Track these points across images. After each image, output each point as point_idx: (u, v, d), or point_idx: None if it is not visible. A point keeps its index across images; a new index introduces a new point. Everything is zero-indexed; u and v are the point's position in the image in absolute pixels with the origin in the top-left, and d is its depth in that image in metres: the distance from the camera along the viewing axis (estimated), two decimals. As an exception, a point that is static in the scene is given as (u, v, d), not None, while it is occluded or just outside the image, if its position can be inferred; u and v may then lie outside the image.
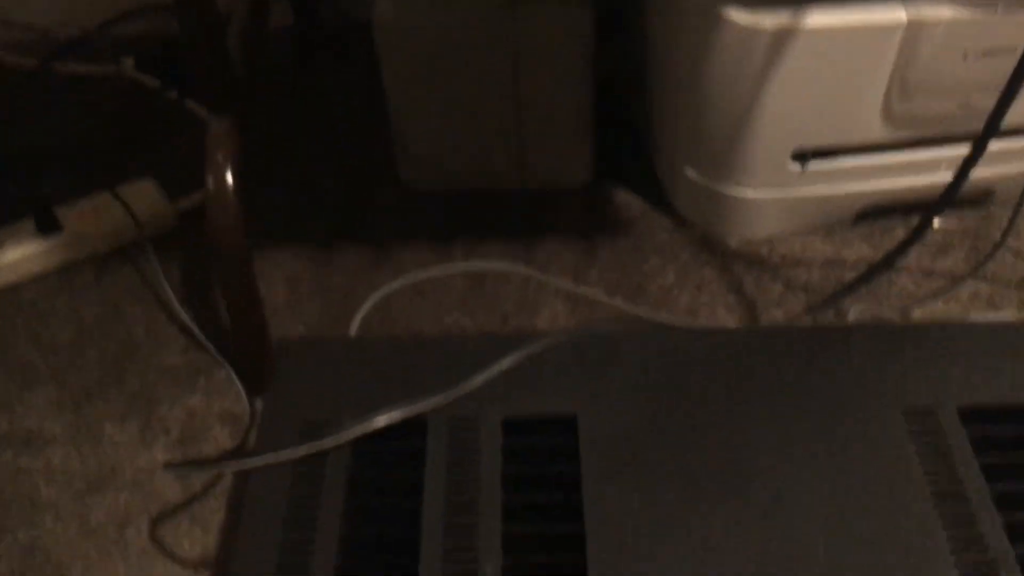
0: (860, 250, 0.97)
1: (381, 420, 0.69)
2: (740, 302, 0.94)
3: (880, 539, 0.63)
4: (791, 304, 0.93)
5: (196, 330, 0.97)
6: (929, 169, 0.90)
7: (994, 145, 0.71)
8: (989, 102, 0.69)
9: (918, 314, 0.88)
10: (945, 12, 0.76)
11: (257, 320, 0.91)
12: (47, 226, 0.99)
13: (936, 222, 0.98)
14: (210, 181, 0.77)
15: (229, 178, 0.77)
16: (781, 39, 0.76)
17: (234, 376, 0.95)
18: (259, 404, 0.85)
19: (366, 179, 1.08)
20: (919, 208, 0.88)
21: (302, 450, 0.68)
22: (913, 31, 0.77)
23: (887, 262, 0.84)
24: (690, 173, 0.94)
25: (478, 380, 0.71)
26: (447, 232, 1.02)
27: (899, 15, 0.76)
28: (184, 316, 0.98)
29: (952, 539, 0.63)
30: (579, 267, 0.98)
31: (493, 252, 0.99)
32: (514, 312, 0.95)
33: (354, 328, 0.88)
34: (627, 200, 1.04)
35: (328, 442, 0.68)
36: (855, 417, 0.70)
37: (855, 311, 0.88)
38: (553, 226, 1.02)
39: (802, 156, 0.89)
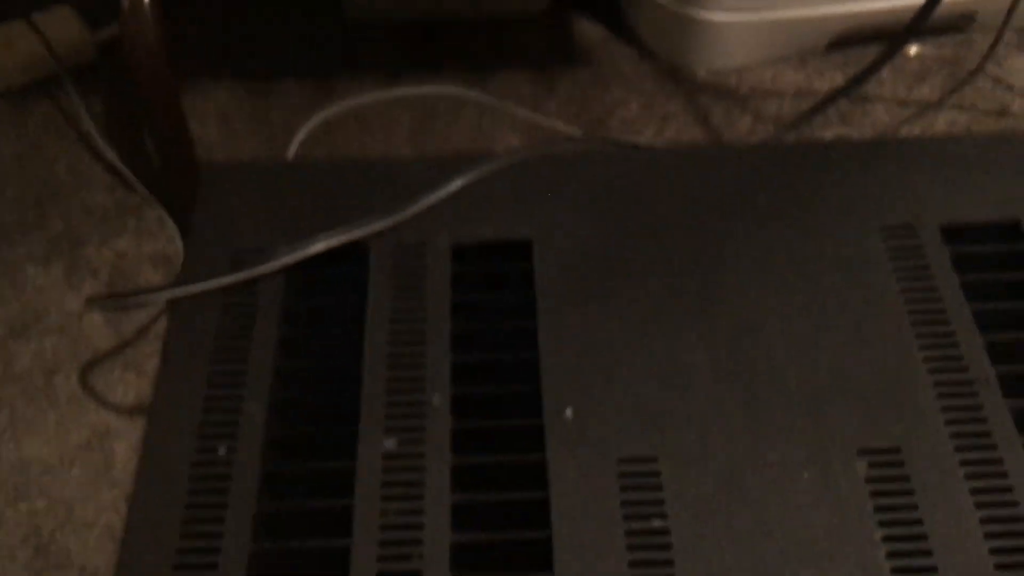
0: (834, 79, 0.92)
1: (318, 245, 0.63)
2: (708, 135, 0.89)
3: (854, 361, 0.59)
4: (761, 136, 0.88)
5: (123, 168, 0.91)
6: (908, -13, 0.84)
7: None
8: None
9: (895, 142, 0.84)
10: None
11: (187, 155, 0.85)
12: (-48, 56, 0.91)
13: (913, 49, 0.93)
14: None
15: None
16: None
17: (165, 216, 0.89)
18: (191, 242, 0.79)
19: (306, 10, 1.00)
20: (897, 36, 0.82)
21: (232, 278, 0.62)
22: None
23: (858, 80, 0.79)
24: (655, -7, 0.87)
25: (425, 203, 0.66)
26: (394, 64, 0.95)
27: None
28: (109, 154, 0.91)
29: (930, 359, 0.60)
30: (537, 99, 0.92)
31: (444, 83, 0.92)
32: (467, 146, 0.89)
33: (291, 156, 0.82)
34: (587, 28, 0.97)
35: (260, 269, 0.62)
36: (830, 235, 0.65)
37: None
38: (507, 56, 0.95)
39: (774, -29, 0.83)
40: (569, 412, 0.58)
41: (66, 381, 0.84)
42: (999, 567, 0.52)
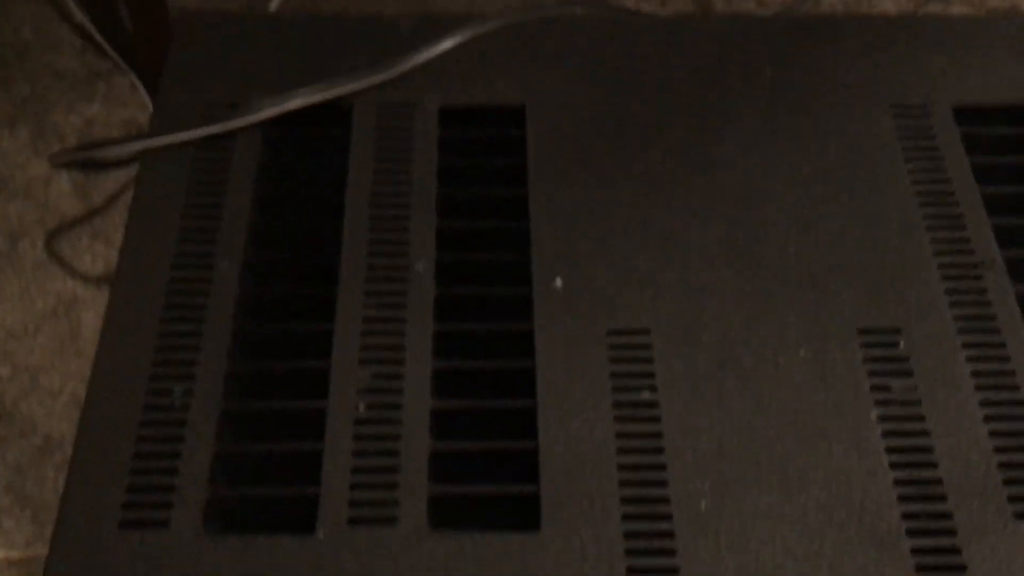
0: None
1: (297, 100, 0.60)
2: (715, 6, 0.86)
3: (857, 239, 0.57)
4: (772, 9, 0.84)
5: (94, 32, 0.86)
6: None
7: None
8: None
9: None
10: None
11: (161, 20, 0.80)
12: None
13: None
14: None
15: None
16: None
17: (137, 82, 0.85)
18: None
19: None
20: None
21: (205, 130, 0.58)
22: None
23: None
24: None
25: (413, 62, 0.62)
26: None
27: None
28: (79, 16, 0.87)
29: (935, 241, 0.57)
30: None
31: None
32: (459, 8, 0.85)
33: (273, 8, 0.78)
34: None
35: (235, 123, 0.59)
36: (838, 112, 0.62)
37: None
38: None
39: None
40: (559, 282, 0.56)
41: (32, 248, 0.81)
42: (998, 450, 0.50)
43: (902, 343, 0.54)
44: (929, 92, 0.63)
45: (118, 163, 0.80)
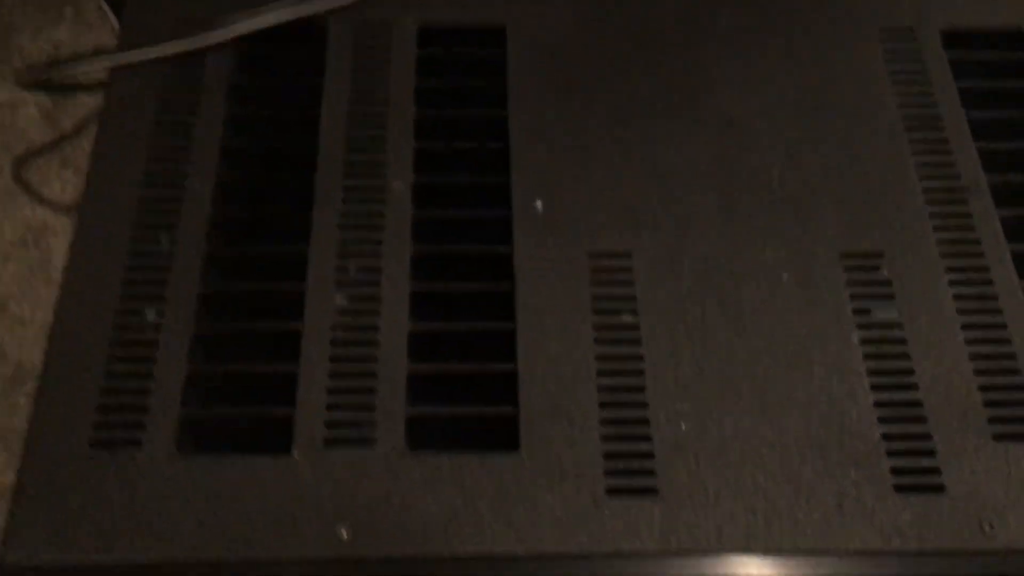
0: None
1: (271, 17, 0.58)
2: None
3: (842, 163, 0.56)
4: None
5: (59, -48, 0.83)
6: None
7: None
8: None
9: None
10: None
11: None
12: None
13: None
14: None
15: None
16: None
17: (105, 6, 0.82)
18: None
19: None
20: None
21: (176, 46, 0.57)
22: None
23: None
24: None
25: (389, -20, 0.60)
26: None
27: None
28: (44, -64, 0.84)
29: (921, 165, 0.56)
30: None
31: None
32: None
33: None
34: None
35: (207, 39, 0.57)
36: (825, 36, 0.61)
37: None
38: None
39: None
40: (539, 204, 0.55)
41: (-1, 175, 0.79)
42: (979, 372, 0.50)
43: (885, 267, 0.53)
44: (917, 16, 0.62)
45: (87, 85, 0.78)
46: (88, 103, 0.79)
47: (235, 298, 0.52)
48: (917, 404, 0.49)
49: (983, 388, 0.49)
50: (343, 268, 0.52)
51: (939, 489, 0.47)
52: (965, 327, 0.51)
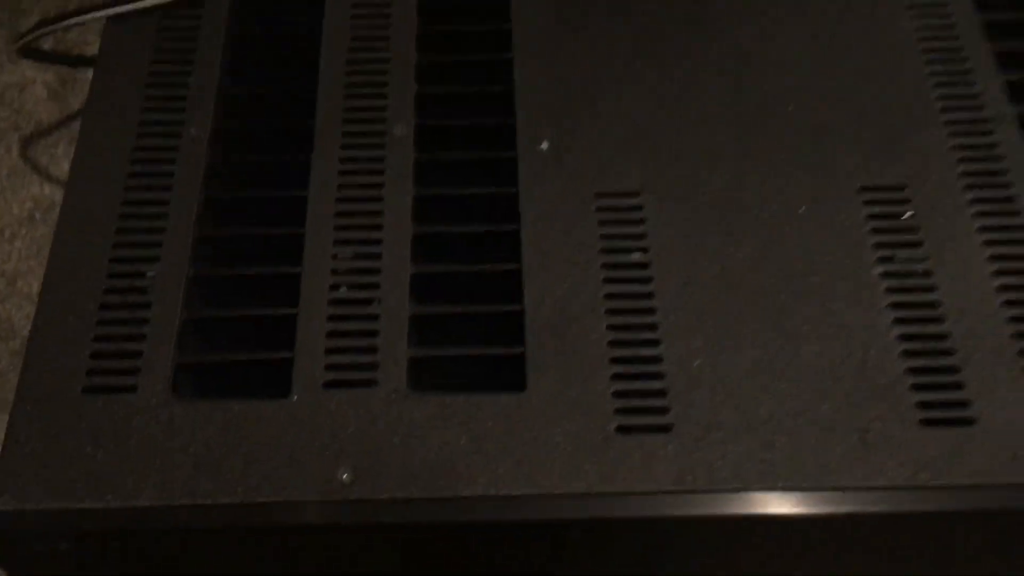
0: None
1: (268, -36, 0.56)
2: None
3: (861, 95, 0.54)
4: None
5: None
6: None
7: None
8: None
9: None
10: None
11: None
12: None
13: None
14: None
15: None
16: None
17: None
18: None
19: None
20: None
21: (170, -6, 0.55)
22: None
23: None
24: None
25: (389, -76, 0.58)
26: None
27: None
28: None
29: (943, 98, 0.54)
30: None
31: None
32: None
33: None
34: None
35: (202, -13, 0.56)
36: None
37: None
38: None
39: None
40: (545, 144, 0.53)
41: (7, 153, 0.79)
42: (1007, 304, 0.47)
43: (908, 201, 0.51)
44: (936, -54, 0.59)
45: (92, 59, 0.77)
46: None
47: (233, 242, 0.50)
48: (944, 337, 0.47)
49: (1012, 319, 0.47)
50: (343, 213, 0.51)
51: (969, 422, 0.44)
52: (992, 259, 0.49)
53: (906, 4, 0.57)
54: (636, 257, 0.49)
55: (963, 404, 0.45)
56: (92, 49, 0.79)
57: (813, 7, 0.57)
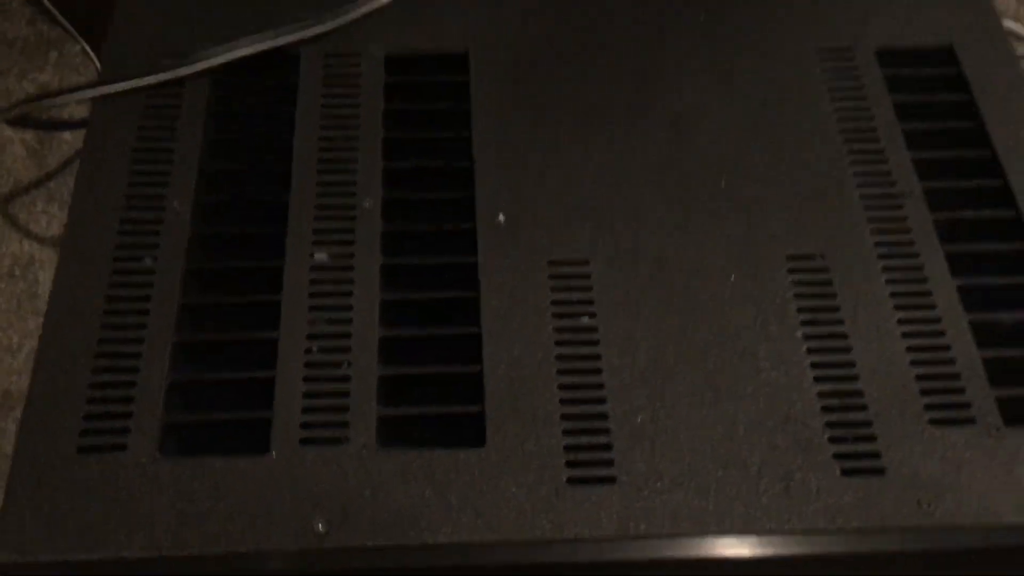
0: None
1: (245, 48, 0.61)
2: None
3: (785, 171, 0.60)
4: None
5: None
6: None
7: None
8: None
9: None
10: None
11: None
12: None
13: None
14: None
15: None
16: None
17: (89, 49, 0.86)
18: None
19: None
20: None
21: (155, 77, 0.60)
22: None
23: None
24: None
25: (358, 11, 0.64)
26: None
27: None
28: (29, -18, 0.87)
29: (859, 174, 0.60)
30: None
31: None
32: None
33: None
34: None
35: (185, 69, 0.60)
36: (768, 54, 0.65)
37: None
38: None
39: None
40: (502, 217, 0.58)
41: (-14, 208, 0.81)
42: (915, 363, 0.53)
43: (827, 268, 0.56)
44: (854, 36, 0.66)
45: (71, 122, 0.81)
46: (72, 141, 0.83)
47: (215, 310, 0.55)
48: (858, 394, 0.52)
49: (919, 378, 0.53)
50: (317, 281, 0.55)
51: (880, 472, 0.50)
52: (901, 321, 0.55)
53: (826, 88, 0.64)
54: (585, 321, 0.54)
55: (875, 455, 0.50)
56: (67, 113, 0.82)
57: (743, 91, 0.63)
